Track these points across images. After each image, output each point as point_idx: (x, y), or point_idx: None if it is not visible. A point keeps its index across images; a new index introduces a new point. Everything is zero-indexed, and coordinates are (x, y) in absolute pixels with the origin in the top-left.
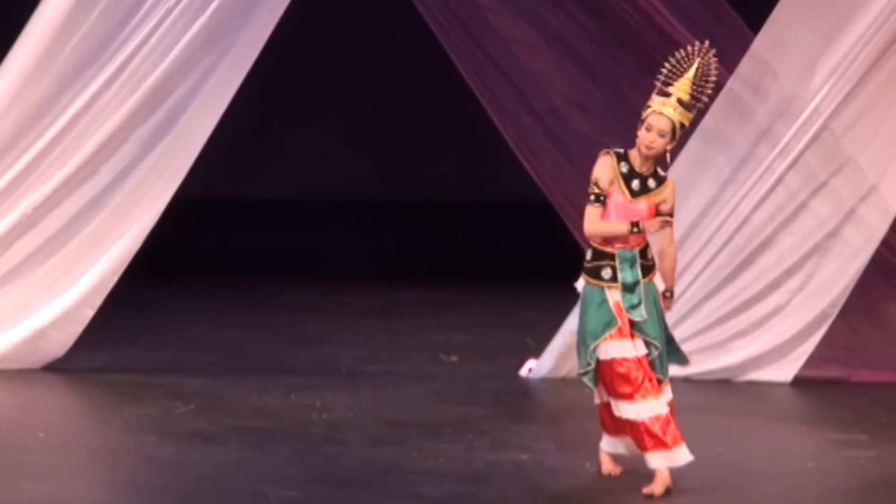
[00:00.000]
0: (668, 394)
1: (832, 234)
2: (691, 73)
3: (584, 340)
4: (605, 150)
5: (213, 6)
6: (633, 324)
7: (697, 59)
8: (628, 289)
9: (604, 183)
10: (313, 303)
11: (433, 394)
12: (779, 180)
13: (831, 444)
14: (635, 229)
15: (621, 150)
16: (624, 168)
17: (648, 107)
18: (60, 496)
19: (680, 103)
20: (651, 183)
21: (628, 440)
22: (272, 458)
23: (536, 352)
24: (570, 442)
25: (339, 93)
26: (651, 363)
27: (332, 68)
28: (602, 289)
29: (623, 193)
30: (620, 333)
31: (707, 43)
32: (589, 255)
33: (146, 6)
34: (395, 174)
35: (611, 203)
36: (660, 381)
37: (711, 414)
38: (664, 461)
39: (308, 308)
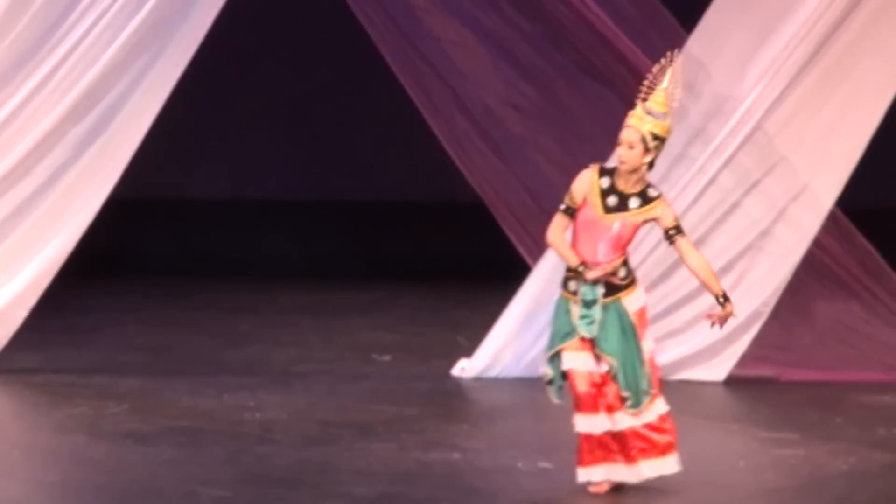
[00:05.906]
0: (621, 417)
1: (765, 234)
2: (665, 82)
3: (546, 349)
4: (594, 164)
5: (147, 7)
6: (592, 339)
7: (670, 69)
8: (586, 305)
9: (577, 195)
10: (247, 303)
11: (365, 393)
12: (712, 180)
13: (762, 443)
14: (580, 268)
15: (610, 166)
16: (605, 183)
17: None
18: None
19: (649, 113)
20: (633, 202)
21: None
22: (205, 458)
23: (468, 351)
24: (501, 441)
25: (272, 93)
26: (614, 378)
27: (266, 69)
28: (569, 300)
29: (595, 207)
30: (578, 346)
31: (677, 51)
32: (566, 265)
33: (80, 7)
34: (328, 174)
35: (580, 217)
36: (623, 399)
37: None
38: (584, 476)
39: (241, 308)
